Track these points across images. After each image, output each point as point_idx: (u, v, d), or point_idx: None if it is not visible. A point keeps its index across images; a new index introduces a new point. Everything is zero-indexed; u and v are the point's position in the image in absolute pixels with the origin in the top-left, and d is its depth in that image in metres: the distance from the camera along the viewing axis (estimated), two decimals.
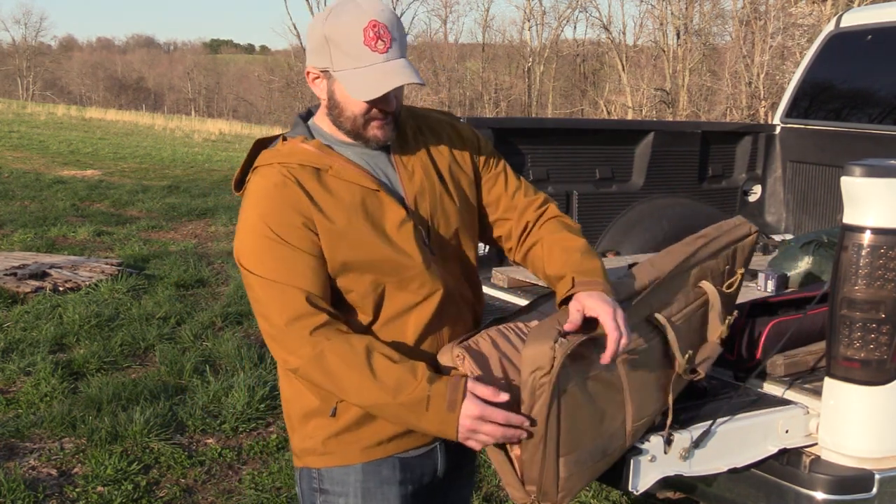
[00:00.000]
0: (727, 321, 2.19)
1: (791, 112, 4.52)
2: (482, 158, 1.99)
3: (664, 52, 34.55)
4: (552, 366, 1.68)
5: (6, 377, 4.94)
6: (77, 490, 3.69)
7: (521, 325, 1.87)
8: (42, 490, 3.68)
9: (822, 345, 2.23)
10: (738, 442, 2.11)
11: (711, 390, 2.27)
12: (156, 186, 13.91)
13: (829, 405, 2.11)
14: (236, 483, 3.85)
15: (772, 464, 2.15)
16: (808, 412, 2.18)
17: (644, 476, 1.98)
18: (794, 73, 4.99)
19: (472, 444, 1.71)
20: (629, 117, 32.33)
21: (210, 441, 4.24)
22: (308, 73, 1.82)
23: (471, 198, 1.95)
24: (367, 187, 1.79)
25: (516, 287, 3.27)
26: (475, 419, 1.66)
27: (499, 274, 3.33)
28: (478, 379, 1.72)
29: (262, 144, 1.87)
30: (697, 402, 2.17)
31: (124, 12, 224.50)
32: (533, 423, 1.70)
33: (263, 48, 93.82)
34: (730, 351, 2.34)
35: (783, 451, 2.15)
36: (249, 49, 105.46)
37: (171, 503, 3.66)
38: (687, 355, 2.02)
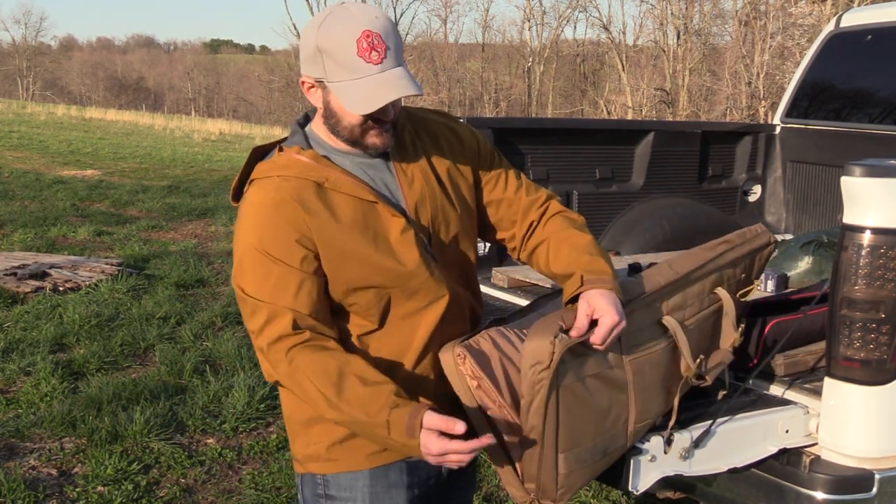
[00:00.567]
0: (740, 329, 2.18)
1: (791, 112, 4.52)
2: (481, 160, 1.97)
3: (664, 52, 34.56)
4: (551, 360, 1.68)
5: (6, 377, 4.94)
6: (77, 490, 3.69)
7: (522, 325, 1.87)
8: (42, 490, 3.68)
9: (822, 345, 2.23)
10: (738, 442, 2.11)
11: (711, 390, 2.27)
12: (156, 186, 13.90)
13: (829, 405, 2.11)
14: (236, 483, 3.85)
15: (772, 464, 2.15)
16: (808, 412, 2.18)
17: (644, 476, 1.98)
18: (793, 73, 4.99)
19: (448, 465, 1.66)
20: (629, 117, 32.33)
21: (210, 441, 4.24)
22: (303, 82, 1.78)
23: (470, 201, 1.94)
24: (365, 199, 1.77)
25: (516, 287, 3.27)
26: (438, 452, 1.61)
27: (499, 274, 3.33)
28: (478, 379, 1.72)
29: (260, 153, 1.85)
30: (697, 402, 2.17)
31: (124, 12, 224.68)
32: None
33: (263, 48, 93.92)
34: None
35: (783, 451, 2.15)
36: (249, 49, 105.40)
37: (171, 503, 3.66)
38: (698, 360, 2.02)
